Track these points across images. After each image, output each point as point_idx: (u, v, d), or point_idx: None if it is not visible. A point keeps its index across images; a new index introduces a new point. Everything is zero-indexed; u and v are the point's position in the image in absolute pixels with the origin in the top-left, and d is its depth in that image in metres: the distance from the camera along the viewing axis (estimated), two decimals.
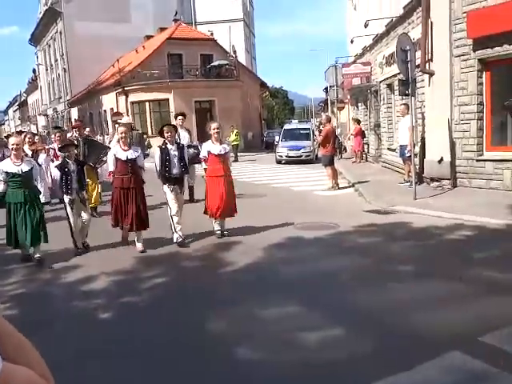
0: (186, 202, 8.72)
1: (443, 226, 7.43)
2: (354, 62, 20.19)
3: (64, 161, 6.94)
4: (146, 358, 3.75)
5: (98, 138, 15.95)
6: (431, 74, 10.78)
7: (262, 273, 5.80)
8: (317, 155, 19.59)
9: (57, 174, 6.95)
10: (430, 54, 10.73)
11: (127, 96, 30.44)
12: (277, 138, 23.96)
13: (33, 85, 65.99)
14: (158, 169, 7.13)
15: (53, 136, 12.13)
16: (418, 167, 11.10)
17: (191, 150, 8.29)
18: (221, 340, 4.04)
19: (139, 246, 6.98)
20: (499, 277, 5.14)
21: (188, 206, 8.70)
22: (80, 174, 6.93)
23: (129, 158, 6.88)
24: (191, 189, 10.72)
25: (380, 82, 16.34)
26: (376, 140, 18.28)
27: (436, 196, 9.82)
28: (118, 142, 7.16)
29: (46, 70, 53.28)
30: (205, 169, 7.71)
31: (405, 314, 4.33)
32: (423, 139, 11.55)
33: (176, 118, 10.92)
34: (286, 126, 26.16)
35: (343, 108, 28.73)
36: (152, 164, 7.42)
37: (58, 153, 8.96)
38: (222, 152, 7.46)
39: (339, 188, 12.30)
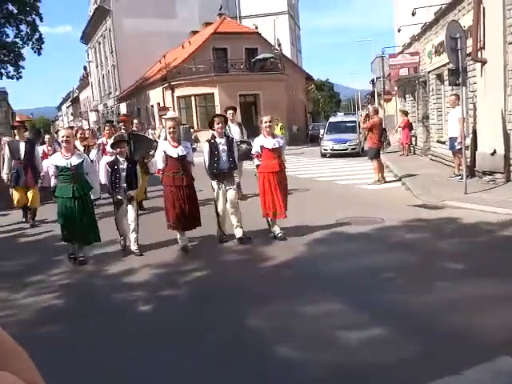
0: None
1: (495, 222, 7.07)
2: (402, 52, 19.58)
3: (115, 158, 6.69)
4: (182, 352, 3.75)
5: (150, 131, 15.75)
6: (483, 63, 10.27)
7: (303, 268, 5.70)
8: (363, 148, 19.20)
9: (107, 171, 6.68)
10: (481, 42, 10.21)
11: (173, 91, 30.88)
12: (322, 131, 23.64)
13: (84, 81, 68.09)
14: (207, 164, 6.82)
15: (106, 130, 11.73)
16: (469, 160, 10.63)
17: (244, 146, 8.03)
18: (260, 336, 3.98)
19: (185, 244, 6.67)
20: None
21: None
22: (130, 172, 6.61)
23: (179, 154, 6.53)
24: (238, 185, 10.36)
25: (429, 72, 15.76)
26: (424, 132, 17.69)
27: (488, 190, 9.36)
28: (167, 137, 6.91)
29: (97, 66, 54.82)
30: (257, 165, 7.17)
31: (453, 314, 4.12)
32: (475, 131, 11.05)
33: (226, 111, 10.30)
34: (331, 119, 25.76)
35: (390, 100, 27.98)
36: (199, 158, 7.09)
37: (107, 148, 8.96)
38: (277, 146, 6.97)
39: (385, 182, 11.98)
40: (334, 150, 20.51)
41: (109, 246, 6.93)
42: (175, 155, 6.49)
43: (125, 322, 4.49)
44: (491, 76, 10.08)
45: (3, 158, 9.26)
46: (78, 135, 10.18)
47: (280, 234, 6.89)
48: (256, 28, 36.43)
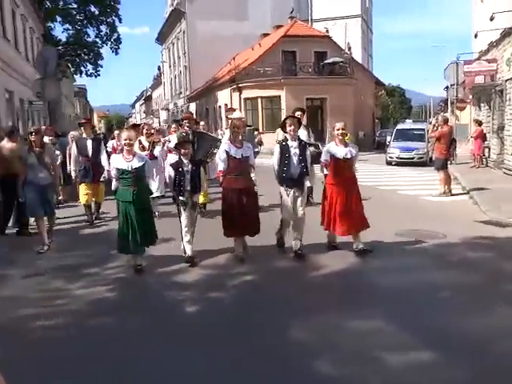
0: None
1: None
2: (478, 58, 18.66)
3: (179, 159, 6.38)
4: (227, 356, 3.74)
5: (219, 132, 15.62)
6: None
7: (355, 281, 5.53)
8: (431, 158, 18.48)
9: (171, 172, 6.34)
10: None
11: (241, 92, 31.19)
12: (388, 138, 23.00)
13: (157, 81, 70.54)
14: (276, 168, 6.38)
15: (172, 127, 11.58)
16: None
17: (311, 149, 7.71)
18: (302, 349, 3.87)
19: (240, 251, 6.33)
20: None
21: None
22: (194, 175, 6.27)
23: (243, 155, 6.20)
24: (309, 190, 9.58)
25: (506, 80, 14.91)
26: (499, 144, 16.74)
27: None
28: (231, 137, 6.55)
29: (170, 67, 56.55)
30: (325, 175, 6.68)
31: None
32: None
33: (294, 113, 9.92)
34: (399, 126, 25.02)
35: (464, 108, 26.77)
36: (261, 160, 6.92)
37: (170, 147, 8.96)
38: (349, 156, 6.36)
39: (452, 194, 11.43)
40: (400, 159, 19.89)
41: (163, 244, 7.03)
42: (238, 156, 6.19)
43: (174, 321, 4.54)
44: None
45: (69, 154, 9.66)
46: (145, 131, 9.91)
47: (362, 248, 6.33)
48: (327, 31, 36.08)
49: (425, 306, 4.75)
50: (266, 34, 39.18)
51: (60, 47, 34.00)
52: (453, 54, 62.61)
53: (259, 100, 30.40)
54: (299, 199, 6.38)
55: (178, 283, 5.56)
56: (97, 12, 34.72)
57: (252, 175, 6.38)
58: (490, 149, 18.31)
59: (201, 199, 8.62)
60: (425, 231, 7.62)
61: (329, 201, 6.44)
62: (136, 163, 5.89)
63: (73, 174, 9.27)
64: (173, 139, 9.25)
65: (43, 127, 13.52)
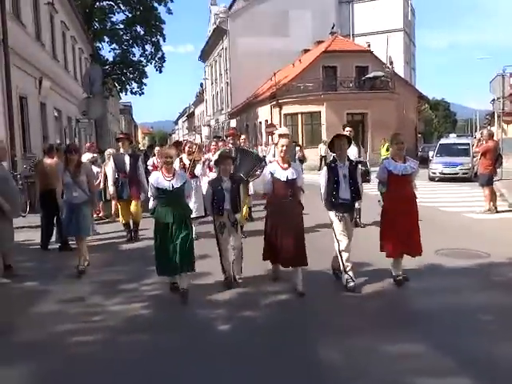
0: None
1: None
2: None
3: (218, 176, 6.07)
4: (257, 376, 3.71)
5: (261, 148, 15.30)
6: None
7: (390, 302, 5.39)
8: (476, 173, 17.91)
9: (208, 190, 6.04)
10: None
11: (281, 108, 31.34)
12: (431, 154, 22.48)
13: (200, 97, 71.85)
14: (323, 191, 5.85)
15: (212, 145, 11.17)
16: None
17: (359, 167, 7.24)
18: (333, 372, 3.81)
19: (299, 287, 5.65)
20: None
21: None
22: (234, 193, 5.90)
23: (289, 178, 5.71)
24: (358, 211, 9.01)
25: None
26: None
27: None
28: (275, 156, 6.19)
29: (212, 83, 57.56)
30: (382, 192, 6.22)
31: None
32: None
33: (344, 129, 9.47)
34: (442, 141, 24.43)
35: (511, 122, 25.94)
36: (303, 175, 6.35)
37: (211, 164, 8.77)
38: (409, 171, 5.85)
39: (497, 211, 11.03)
40: (444, 174, 19.37)
41: (199, 261, 7.05)
42: (284, 178, 5.69)
43: (206, 339, 4.55)
44: None
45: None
46: (187, 148, 9.45)
47: (400, 278, 5.86)
48: (368, 46, 35.87)
49: (465, 329, 4.59)
50: (306, 50, 39.40)
51: (107, 66, 35.34)
52: (499, 66, 60.81)
53: (299, 116, 30.45)
54: (348, 226, 5.88)
55: (212, 301, 5.57)
56: (142, 32, 35.92)
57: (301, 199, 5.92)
58: None
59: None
60: (467, 250, 7.38)
61: (388, 222, 5.87)
62: (176, 182, 5.59)
63: (110, 190, 9.12)
64: (216, 156, 8.75)
65: (87, 144, 14.03)
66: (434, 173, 19.81)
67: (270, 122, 31.36)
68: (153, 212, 5.76)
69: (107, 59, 36.72)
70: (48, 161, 8.30)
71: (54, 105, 19.24)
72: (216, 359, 4.10)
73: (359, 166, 6.04)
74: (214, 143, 10.88)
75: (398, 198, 5.83)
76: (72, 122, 22.01)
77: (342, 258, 5.76)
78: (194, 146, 10.39)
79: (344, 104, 29.04)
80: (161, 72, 38.13)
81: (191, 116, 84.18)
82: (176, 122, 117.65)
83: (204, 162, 9.88)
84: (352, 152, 8.14)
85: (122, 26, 35.91)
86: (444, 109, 78.92)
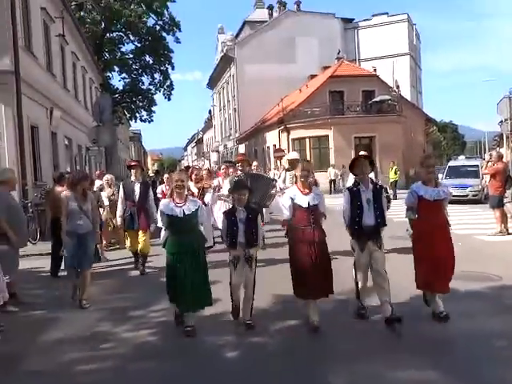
0: None
1: None
2: None
3: (233, 207, 5.58)
4: None
5: (274, 172, 15.12)
6: None
7: (400, 326, 5.26)
8: (486, 195, 17.79)
9: (224, 222, 5.51)
10: None
11: (289, 133, 31.59)
12: (440, 176, 22.41)
13: (208, 124, 72.71)
14: (346, 217, 5.45)
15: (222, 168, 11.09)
16: None
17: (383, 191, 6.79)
18: None
19: (315, 319, 5.25)
20: None
21: None
22: (251, 225, 5.41)
23: (311, 204, 5.32)
24: None
25: None
26: None
27: None
28: (296, 181, 5.67)
29: (220, 110, 58.28)
30: (411, 220, 5.66)
31: None
32: None
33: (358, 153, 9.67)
34: (451, 163, 24.45)
35: None
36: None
37: (221, 194, 8.58)
38: (442, 197, 5.44)
39: (508, 233, 10.91)
40: (453, 196, 19.20)
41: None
42: (305, 205, 5.31)
43: (213, 366, 4.50)
44: None
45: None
46: (193, 176, 9.12)
47: (444, 314, 5.33)
48: (375, 70, 36.27)
49: (475, 355, 4.47)
50: (313, 76, 39.91)
51: (117, 95, 35.99)
52: (504, 87, 60.91)
53: (307, 140, 30.66)
54: (377, 254, 5.31)
55: (220, 326, 5.52)
56: (151, 61, 36.66)
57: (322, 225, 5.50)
58: None
59: None
60: (478, 273, 7.29)
61: (421, 254, 5.42)
62: (188, 208, 5.19)
63: (118, 220, 8.74)
64: (225, 185, 8.74)
65: (97, 172, 14.18)
66: None
67: (278, 146, 31.58)
68: (164, 244, 5.33)
69: (117, 88, 37.44)
70: (59, 189, 8.39)
71: (65, 133, 19.54)
72: None
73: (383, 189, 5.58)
74: (223, 167, 10.84)
75: (431, 226, 5.36)
76: (82, 150, 22.30)
77: (358, 285, 5.54)
78: (203, 172, 10.23)
79: (351, 128, 29.23)
80: (169, 99, 38.78)
81: (200, 142, 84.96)
82: (185, 149, 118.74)
83: (214, 188, 9.57)
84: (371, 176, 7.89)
85: (131, 56, 36.73)
86: (452, 131, 79.03)
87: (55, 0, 18.50)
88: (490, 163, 12.52)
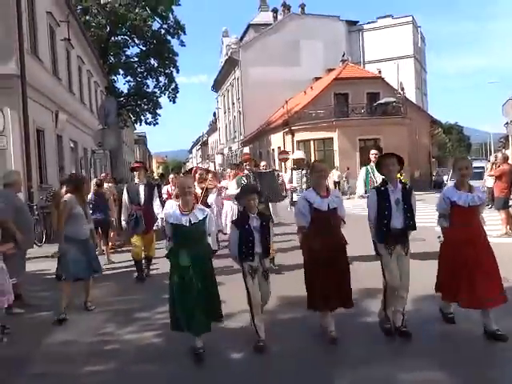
0: None
1: None
2: None
3: (244, 214, 5.05)
4: None
5: (281, 174, 14.62)
6: None
7: (410, 329, 5.27)
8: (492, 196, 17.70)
9: (234, 232, 5.01)
10: None
11: (293, 135, 31.59)
12: (445, 178, 22.34)
13: (213, 126, 72.86)
14: (373, 219, 5.01)
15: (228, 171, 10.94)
16: None
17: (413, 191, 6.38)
18: None
19: (332, 330, 4.90)
20: None
21: None
22: (265, 232, 4.93)
23: (330, 207, 4.90)
24: None
25: None
26: None
27: None
28: (314, 185, 5.16)
29: (224, 113, 58.40)
30: (443, 228, 5.18)
31: None
32: None
33: (369, 152, 9.25)
34: None
35: None
36: None
37: (228, 194, 8.30)
38: (477, 202, 4.91)
39: None
40: None
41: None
42: (324, 208, 4.87)
43: (218, 368, 4.47)
44: None
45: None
46: (197, 176, 8.99)
47: (499, 332, 4.76)
48: (379, 72, 36.24)
49: (488, 357, 4.47)
50: (318, 78, 39.91)
51: (122, 98, 36.13)
52: (509, 89, 60.71)
53: (312, 142, 30.64)
54: (403, 260, 4.97)
55: (227, 329, 5.48)
56: (156, 64, 36.79)
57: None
58: None
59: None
60: None
61: (451, 262, 4.98)
62: (195, 217, 4.75)
63: (123, 224, 8.37)
64: (231, 185, 8.49)
65: (102, 175, 14.23)
66: None
67: (282, 149, 31.58)
68: (168, 254, 4.87)
69: (122, 91, 37.62)
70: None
71: (70, 136, 19.63)
72: None
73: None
74: (229, 170, 10.70)
75: (465, 234, 4.88)
76: (88, 152, 22.39)
77: (386, 295, 4.99)
78: (207, 174, 10.16)
79: (356, 130, 29.23)
80: (174, 102, 38.88)
81: (205, 145, 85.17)
82: (190, 151, 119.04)
83: (219, 189, 9.56)
84: (379, 176, 7.36)
85: (136, 59, 36.92)
86: (457, 133, 78.79)
87: (61, 4, 18.63)
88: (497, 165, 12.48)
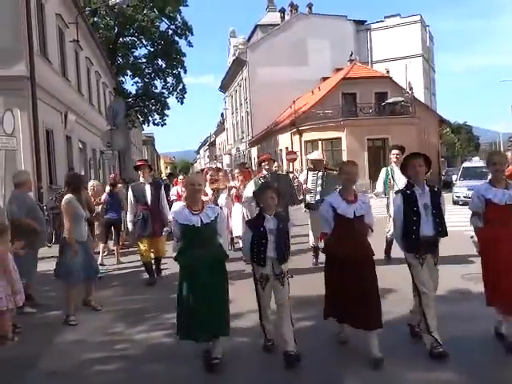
0: None
1: None
2: None
3: (260, 215, 4.63)
4: None
5: (293, 175, 14.36)
6: None
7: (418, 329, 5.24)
8: None
9: (247, 234, 4.67)
10: None
11: (301, 135, 31.56)
12: (454, 177, 22.24)
13: (221, 127, 72.96)
14: (398, 226, 4.59)
15: (236, 171, 10.59)
16: None
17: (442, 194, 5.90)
18: None
19: (376, 352, 4.33)
20: None
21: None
22: (282, 236, 4.53)
23: (357, 214, 4.50)
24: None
25: None
26: None
27: None
28: (341, 189, 4.71)
29: (232, 113, 58.42)
30: (476, 228, 4.81)
31: None
32: None
33: (390, 151, 8.79)
34: (465, 164, 24.26)
35: None
36: None
37: (239, 193, 8.13)
38: (509, 201, 4.55)
39: None
40: (468, 198, 18.98)
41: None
42: (350, 215, 4.47)
43: (226, 370, 4.44)
44: None
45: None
46: (208, 176, 8.82)
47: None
48: (387, 72, 36.10)
49: (496, 356, 4.44)
50: (325, 78, 39.83)
51: (130, 99, 36.28)
52: None
53: (320, 142, 30.58)
54: (433, 273, 4.63)
55: (236, 330, 5.46)
56: (164, 65, 36.91)
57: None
58: None
59: None
60: None
61: (491, 266, 4.65)
62: (206, 217, 4.43)
63: (129, 226, 8.07)
64: (249, 187, 7.99)
65: (111, 175, 14.30)
66: (458, 196, 19.56)
67: (290, 149, 31.55)
68: (177, 257, 4.54)
69: (130, 92, 37.76)
70: None
71: (79, 137, 19.76)
72: None
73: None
74: (237, 171, 10.38)
75: (503, 234, 4.53)
76: (96, 153, 22.51)
77: (425, 314, 4.45)
78: (218, 173, 10.01)
79: (364, 130, 29.15)
80: (182, 103, 38.96)
81: (212, 145, 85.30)
82: (198, 152, 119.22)
83: (230, 189, 9.41)
84: (399, 177, 7.38)
85: (144, 60, 37.04)
86: (466, 132, 78.27)
87: (69, 6, 18.76)
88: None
